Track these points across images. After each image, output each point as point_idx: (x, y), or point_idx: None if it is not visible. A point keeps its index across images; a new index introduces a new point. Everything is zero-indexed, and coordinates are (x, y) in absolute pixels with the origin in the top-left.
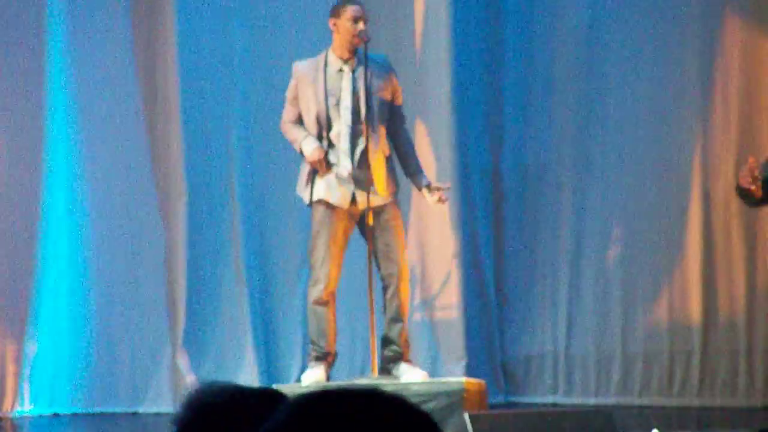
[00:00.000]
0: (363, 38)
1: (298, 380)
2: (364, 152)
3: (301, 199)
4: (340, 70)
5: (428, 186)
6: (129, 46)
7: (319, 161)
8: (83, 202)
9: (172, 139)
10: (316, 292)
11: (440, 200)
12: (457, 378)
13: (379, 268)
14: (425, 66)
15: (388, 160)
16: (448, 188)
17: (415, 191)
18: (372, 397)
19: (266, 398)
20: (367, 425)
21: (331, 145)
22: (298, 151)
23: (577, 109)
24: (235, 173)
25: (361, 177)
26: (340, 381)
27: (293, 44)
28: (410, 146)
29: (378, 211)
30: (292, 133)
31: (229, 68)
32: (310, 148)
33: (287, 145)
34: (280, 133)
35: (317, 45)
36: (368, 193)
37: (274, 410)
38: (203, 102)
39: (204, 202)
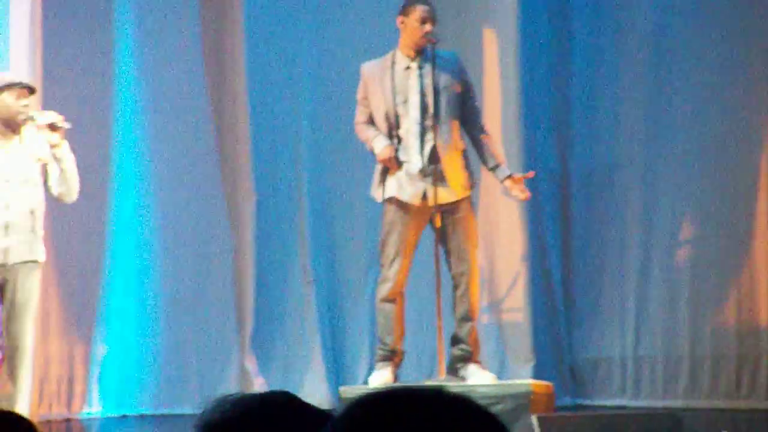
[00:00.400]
0: (430, 40)
1: (366, 382)
2: (434, 149)
3: (368, 199)
4: (408, 68)
5: (510, 177)
6: (197, 46)
7: (390, 159)
8: (151, 203)
9: (240, 141)
10: (384, 289)
11: (523, 193)
12: (524, 380)
13: (450, 267)
14: (492, 67)
15: (463, 155)
16: (532, 176)
17: (483, 193)
18: (436, 397)
19: (279, 402)
20: (432, 426)
21: (400, 142)
22: (370, 150)
23: (644, 110)
24: (303, 174)
25: (432, 173)
26: (408, 382)
27: (361, 42)
28: (488, 139)
29: (450, 209)
30: (364, 133)
31: (297, 68)
32: (380, 146)
33: (354, 145)
34: (347, 133)
35: (385, 44)
36: (443, 191)
37: (290, 414)
38: (271, 103)
39: (272, 203)
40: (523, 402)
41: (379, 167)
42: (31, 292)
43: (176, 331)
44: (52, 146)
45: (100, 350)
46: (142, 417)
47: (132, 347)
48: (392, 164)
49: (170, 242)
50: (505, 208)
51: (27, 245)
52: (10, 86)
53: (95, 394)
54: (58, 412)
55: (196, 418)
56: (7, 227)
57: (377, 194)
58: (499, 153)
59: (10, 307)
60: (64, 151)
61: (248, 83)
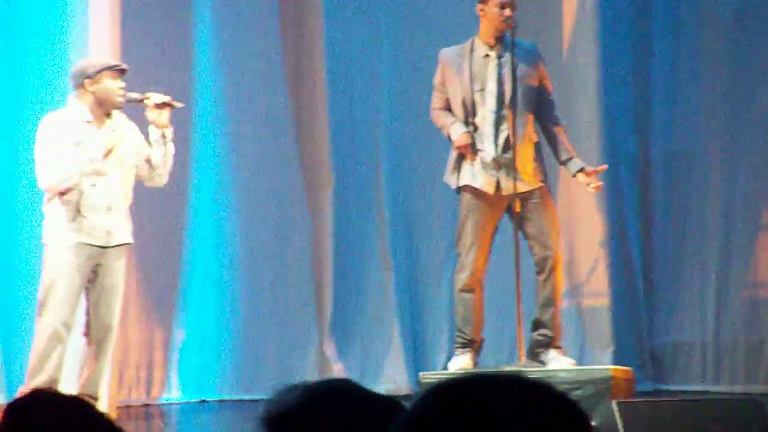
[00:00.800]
0: (509, 24)
1: (445, 367)
2: (508, 138)
3: (447, 186)
4: (486, 56)
5: (583, 170)
6: (276, 33)
7: (466, 146)
8: (230, 190)
9: (319, 128)
10: (462, 279)
11: (595, 186)
12: (604, 366)
13: (533, 253)
14: (572, 54)
15: (536, 146)
16: (605, 170)
17: (562, 179)
18: (515, 382)
19: (342, 391)
20: (510, 411)
21: (476, 130)
22: (447, 137)
23: (725, 96)
24: (381, 159)
25: (505, 163)
26: (487, 368)
27: (439, 30)
28: (562, 132)
29: (527, 197)
30: (441, 119)
31: (376, 56)
32: (457, 133)
33: (433, 132)
34: (426, 120)
35: (463, 31)
36: (514, 180)
37: (353, 402)
38: (350, 90)
39: (350, 190)
40: (603, 387)
41: (454, 154)
42: (121, 276)
43: (255, 317)
44: (161, 127)
45: (180, 336)
46: (221, 402)
47: (211, 333)
48: (469, 151)
49: (249, 228)
50: (584, 194)
51: (124, 228)
52: (107, 69)
53: (174, 380)
54: (137, 397)
55: (262, 408)
56: (109, 209)
57: (451, 180)
58: (571, 146)
59: (100, 291)
60: (171, 133)
61: (327, 69)
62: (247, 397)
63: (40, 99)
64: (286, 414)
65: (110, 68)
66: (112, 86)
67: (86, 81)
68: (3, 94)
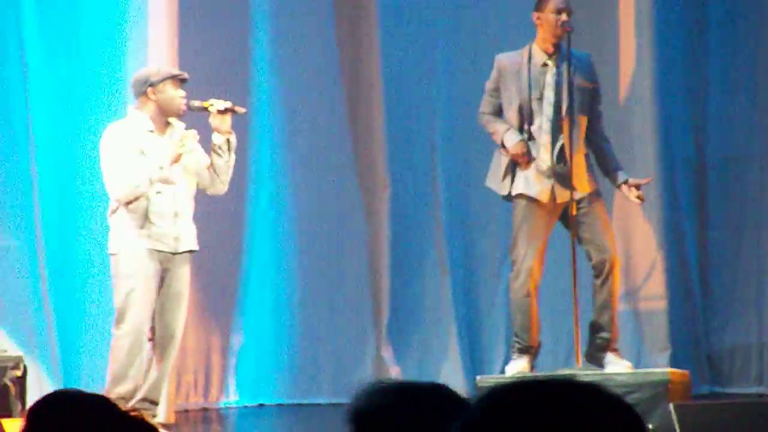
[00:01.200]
0: (566, 29)
1: (502, 372)
2: (563, 147)
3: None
4: (545, 65)
5: (626, 182)
6: (332, 36)
7: (522, 154)
8: (286, 195)
9: (375, 133)
10: (518, 286)
11: (639, 198)
12: (661, 369)
13: (590, 257)
14: (627, 58)
15: (586, 157)
16: (648, 183)
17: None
18: (568, 386)
19: (435, 393)
20: (564, 414)
21: (531, 138)
22: (499, 143)
23: None
24: (437, 164)
25: (561, 172)
26: (544, 371)
27: (495, 33)
28: (607, 144)
29: (580, 202)
30: (493, 125)
31: (432, 58)
32: (512, 141)
33: (488, 136)
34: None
35: (519, 34)
36: (571, 189)
37: (443, 405)
38: (406, 94)
39: (407, 194)
40: (661, 390)
41: (504, 160)
42: (186, 283)
43: (312, 321)
44: (224, 133)
45: (237, 340)
46: (279, 406)
47: (268, 337)
48: (524, 160)
49: (305, 232)
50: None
51: (191, 234)
52: (169, 78)
53: (232, 384)
54: (195, 401)
55: (349, 404)
56: (176, 215)
57: (501, 188)
58: (616, 159)
59: (165, 298)
60: (235, 139)
61: (383, 73)
62: (304, 401)
63: (98, 108)
64: (374, 411)
65: (172, 77)
66: (174, 95)
67: (149, 89)
68: (62, 104)
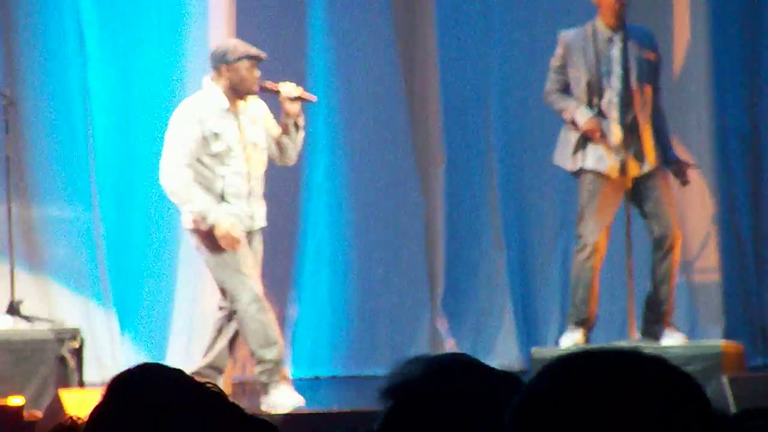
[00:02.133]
0: (622, 2)
1: (557, 343)
2: (634, 121)
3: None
4: (610, 40)
5: (674, 162)
6: (388, 16)
7: (595, 130)
8: (343, 171)
9: (431, 107)
10: (583, 259)
11: (684, 181)
12: (715, 341)
13: (651, 231)
14: (682, 32)
15: (654, 129)
16: (694, 167)
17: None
18: (633, 357)
19: (463, 365)
20: (628, 385)
21: (600, 113)
22: (568, 120)
23: None
24: (493, 138)
25: (631, 145)
26: (599, 344)
27: (551, 10)
28: (662, 119)
29: (646, 177)
30: (561, 102)
31: (487, 36)
32: (584, 117)
33: (544, 112)
34: (537, 99)
35: (575, 10)
36: (641, 162)
37: (474, 380)
38: (461, 70)
39: (462, 169)
40: (714, 363)
41: (573, 136)
42: (260, 258)
43: (368, 294)
44: (293, 116)
45: (293, 313)
46: (335, 378)
47: (324, 310)
48: (596, 136)
49: (362, 207)
50: (695, 170)
51: (263, 211)
52: (246, 57)
53: (288, 356)
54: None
55: (383, 380)
56: (250, 194)
57: (569, 163)
58: (669, 136)
59: None
60: (303, 120)
61: (438, 50)
62: (359, 373)
63: (154, 82)
64: (408, 386)
65: (249, 57)
66: (247, 76)
67: (223, 66)
68: (118, 79)
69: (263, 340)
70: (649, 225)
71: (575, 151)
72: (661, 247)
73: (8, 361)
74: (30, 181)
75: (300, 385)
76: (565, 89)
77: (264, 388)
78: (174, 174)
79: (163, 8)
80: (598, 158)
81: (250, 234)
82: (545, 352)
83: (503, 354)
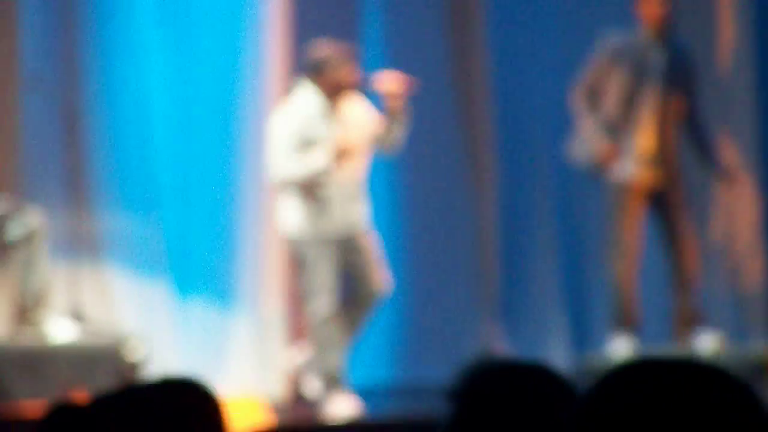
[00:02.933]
0: (664, 12)
1: (607, 351)
2: (665, 129)
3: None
4: (650, 49)
5: (717, 168)
6: (440, 24)
7: (608, 160)
8: (397, 173)
9: (483, 111)
10: (619, 264)
11: (729, 185)
12: (758, 346)
13: (671, 231)
14: (726, 30)
15: (681, 141)
16: (740, 172)
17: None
18: (691, 368)
19: (538, 374)
20: (689, 397)
21: (633, 120)
22: (580, 129)
23: None
24: (545, 141)
25: (660, 155)
26: (645, 349)
27: (603, 14)
28: (701, 131)
29: (671, 185)
30: (581, 103)
31: (541, 38)
32: (599, 144)
33: None
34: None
35: (626, 15)
36: (663, 171)
37: (545, 385)
38: (515, 70)
39: (514, 172)
40: (757, 368)
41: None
42: (372, 251)
43: (421, 299)
44: (395, 108)
45: None
46: (389, 385)
47: (378, 315)
48: (605, 167)
49: (413, 211)
50: (742, 175)
51: (363, 212)
52: (339, 56)
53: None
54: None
55: (450, 384)
56: (351, 195)
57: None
58: (711, 144)
59: (355, 270)
60: (401, 107)
61: (490, 51)
62: (413, 379)
63: (215, 89)
64: (474, 391)
65: (342, 53)
66: (344, 73)
67: (319, 68)
68: (180, 85)
69: (328, 349)
70: (669, 226)
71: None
72: (669, 257)
73: (70, 372)
74: (92, 189)
75: (355, 392)
76: (593, 93)
77: (323, 396)
78: (284, 164)
79: (222, 15)
80: (621, 167)
81: (348, 241)
82: (596, 358)
83: (556, 359)
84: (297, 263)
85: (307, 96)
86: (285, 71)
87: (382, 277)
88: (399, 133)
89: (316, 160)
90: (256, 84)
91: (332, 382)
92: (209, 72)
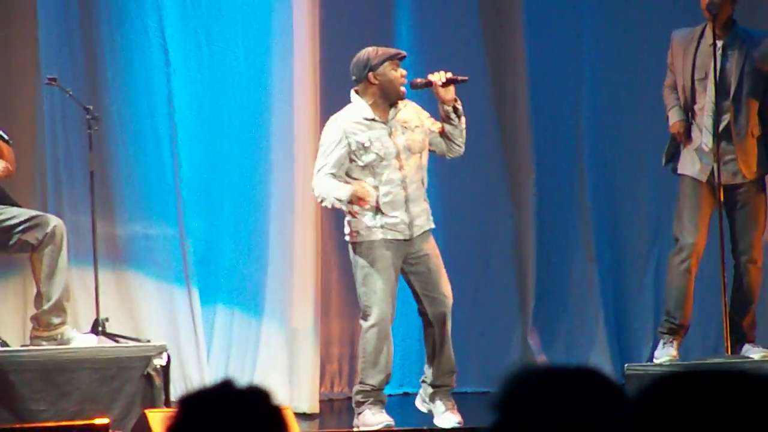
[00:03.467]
0: (711, 10)
1: (650, 359)
2: (728, 129)
3: (651, 173)
4: (713, 46)
5: None
6: (477, 25)
7: (678, 134)
8: (433, 182)
9: (520, 118)
10: (678, 261)
11: None
12: None
13: (733, 246)
14: None
15: (759, 140)
16: None
17: None
18: (738, 378)
19: (585, 377)
20: (738, 409)
21: (694, 117)
22: (666, 117)
23: None
24: (583, 148)
25: (723, 154)
26: (692, 359)
27: (643, 16)
28: None
29: (737, 188)
30: (666, 98)
31: (578, 45)
32: (672, 119)
33: (636, 121)
34: (629, 108)
35: (663, 18)
36: (733, 172)
37: (587, 392)
38: (551, 80)
39: (552, 180)
40: None
41: (672, 137)
42: (433, 257)
43: (458, 309)
44: (449, 102)
45: None
46: None
47: (414, 325)
48: (680, 138)
49: (451, 218)
50: None
51: (424, 215)
52: (388, 58)
53: None
54: (339, 390)
55: (498, 391)
56: (407, 202)
57: (666, 160)
58: None
59: (416, 280)
60: (460, 104)
61: (527, 60)
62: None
63: (240, 94)
64: (517, 400)
65: (391, 57)
66: (395, 75)
67: (370, 74)
68: (203, 90)
69: (373, 365)
70: (732, 239)
71: (669, 150)
72: (738, 264)
73: (94, 381)
74: (115, 196)
75: (389, 402)
76: (675, 87)
77: (357, 407)
78: (317, 183)
79: (248, 20)
80: (691, 162)
81: (409, 242)
82: (639, 368)
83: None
84: (354, 267)
85: (358, 101)
86: (314, 77)
87: (446, 289)
88: (460, 127)
89: (336, 193)
90: (284, 89)
91: (367, 397)
92: (236, 78)
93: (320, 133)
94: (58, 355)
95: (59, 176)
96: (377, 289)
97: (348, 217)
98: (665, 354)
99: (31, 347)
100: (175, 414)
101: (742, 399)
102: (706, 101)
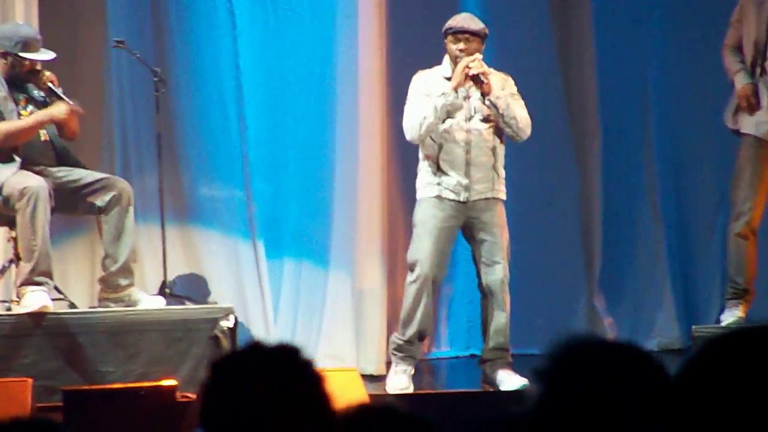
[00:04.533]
0: None
1: (717, 321)
2: None
3: (717, 137)
4: None
5: None
6: (544, 21)
7: (746, 97)
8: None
9: (587, 82)
10: (737, 226)
11: None
12: None
13: None
14: None
15: None
16: None
17: None
18: None
19: (627, 352)
20: None
21: (763, 74)
22: (730, 81)
23: None
24: (650, 111)
25: None
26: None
27: (705, 11)
28: None
29: None
30: (727, 61)
31: (645, 5)
32: (740, 83)
33: (702, 81)
34: (695, 69)
35: None
36: None
37: (633, 364)
38: (617, 42)
39: (619, 142)
40: None
41: (735, 98)
42: (494, 229)
43: (524, 271)
44: (486, 93)
45: (449, 290)
46: None
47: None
48: (749, 103)
49: (516, 182)
50: None
51: (489, 183)
52: (451, 32)
53: (444, 335)
54: (425, 351)
55: (544, 358)
56: (468, 165)
57: (730, 122)
58: None
59: (476, 247)
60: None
61: (594, 20)
62: (516, 351)
63: (305, 59)
64: (563, 370)
65: (453, 32)
66: (451, 48)
67: (446, 38)
68: (269, 56)
69: (408, 319)
70: None
71: (735, 112)
72: None
73: (161, 342)
74: (181, 158)
75: (455, 364)
76: (739, 45)
77: (392, 357)
78: (410, 116)
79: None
80: (757, 123)
81: (466, 204)
82: (705, 330)
83: (663, 332)
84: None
85: (446, 58)
86: (380, 39)
87: (500, 265)
88: (502, 123)
89: (437, 100)
90: (350, 51)
91: (397, 352)
92: (302, 41)
93: (385, 92)
94: (126, 317)
95: (126, 139)
96: (423, 247)
97: (418, 174)
98: (731, 315)
99: (99, 309)
100: (206, 379)
101: None
102: None
